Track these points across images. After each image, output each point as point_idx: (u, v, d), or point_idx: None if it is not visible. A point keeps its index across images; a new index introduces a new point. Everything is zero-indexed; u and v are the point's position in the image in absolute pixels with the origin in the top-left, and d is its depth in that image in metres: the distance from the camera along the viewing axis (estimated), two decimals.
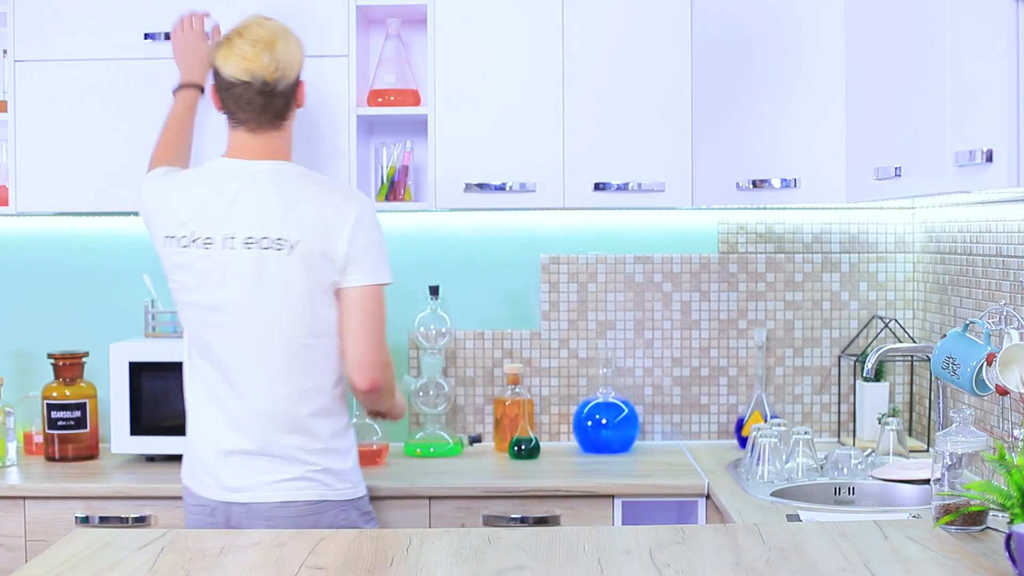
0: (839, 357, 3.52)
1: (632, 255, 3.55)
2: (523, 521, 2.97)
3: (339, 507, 2.58)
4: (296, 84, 2.64)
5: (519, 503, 2.98)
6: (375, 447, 3.23)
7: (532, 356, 3.56)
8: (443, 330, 3.40)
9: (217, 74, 2.61)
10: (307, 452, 2.55)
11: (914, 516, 2.47)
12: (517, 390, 3.42)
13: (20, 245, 3.58)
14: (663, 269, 3.55)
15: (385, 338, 2.60)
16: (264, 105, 2.59)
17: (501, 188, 3.18)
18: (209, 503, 2.60)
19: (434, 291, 3.42)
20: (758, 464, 2.92)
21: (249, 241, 2.52)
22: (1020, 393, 2.32)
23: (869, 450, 3.08)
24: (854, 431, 3.44)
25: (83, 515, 3.01)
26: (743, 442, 3.39)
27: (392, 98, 3.28)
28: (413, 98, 3.32)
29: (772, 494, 2.78)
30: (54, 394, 3.29)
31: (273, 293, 2.52)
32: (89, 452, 3.31)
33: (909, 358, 3.48)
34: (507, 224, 3.55)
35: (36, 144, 3.22)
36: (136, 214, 3.47)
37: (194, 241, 2.55)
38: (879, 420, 3.17)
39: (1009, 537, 1.88)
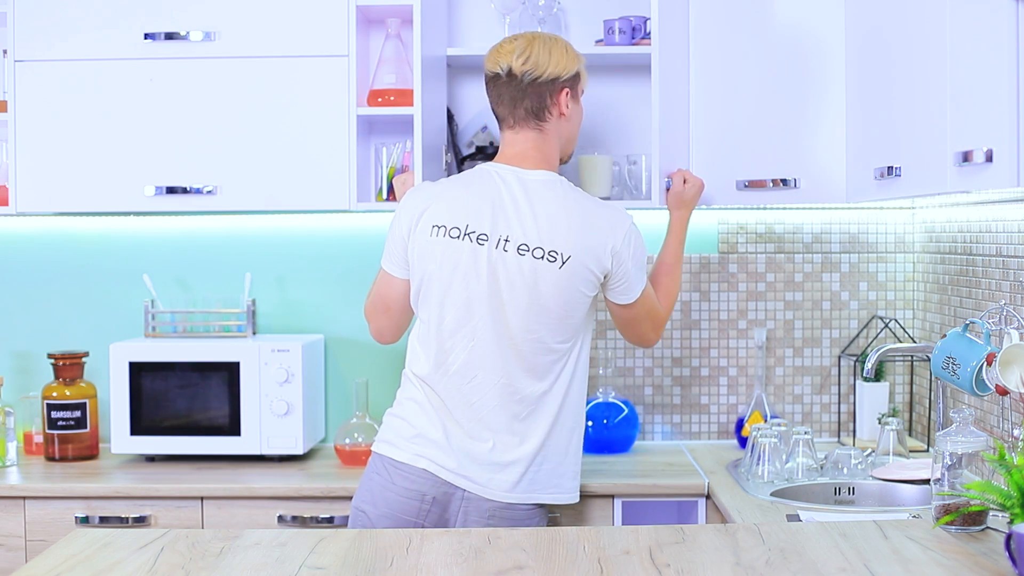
0: (839, 357, 3.52)
1: None
2: None
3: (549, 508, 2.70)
4: (555, 87, 2.67)
5: None
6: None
7: None
8: None
9: (485, 73, 2.71)
10: (536, 454, 2.63)
11: (914, 516, 2.47)
12: None
13: (20, 245, 3.58)
14: None
15: (657, 320, 2.83)
16: (514, 98, 2.67)
17: None
18: (428, 492, 2.61)
19: None
20: (758, 464, 2.92)
21: (523, 248, 2.59)
22: (1020, 393, 2.32)
23: (869, 450, 3.08)
24: (854, 431, 3.44)
25: (83, 515, 3.01)
26: (743, 442, 3.39)
27: (392, 98, 3.28)
28: (413, 98, 3.32)
29: (772, 494, 2.78)
30: (54, 394, 3.29)
31: (537, 300, 2.60)
32: (89, 452, 3.31)
33: (909, 358, 3.48)
34: None
35: (36, 144, 3.22)
36: (137, 214, 3.50)
37: (468, 235, 2.61)
38: (879, 420, 3.17)
39: (1009, 537, 1.88)
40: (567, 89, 2.68)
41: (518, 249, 2.59)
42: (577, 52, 2.73)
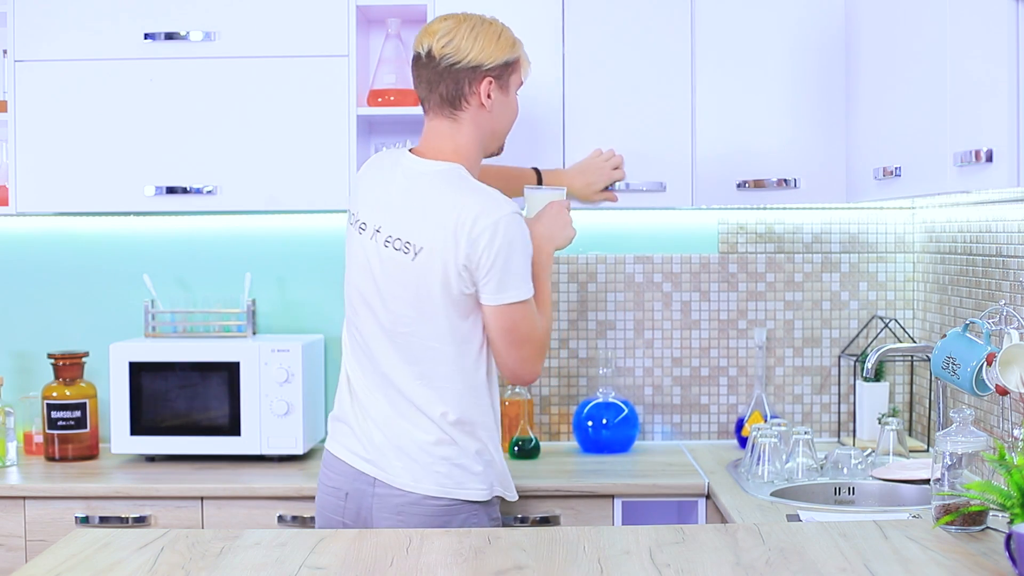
0: (839, 357, 3.52)
1: (632, 255, 3.55)
2: (523, 521, 2.97)
3: (472, 510, 2.55)
4: (475, 75, 2.52)
5: (519, 503, 2.98)
6: None
7: None
8: None
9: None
10: (432, 447, 2.53)
11: (914, 516, 2.47)
12: (517, 390, 3.41)
13: (20, 245, 3.58)
14: (663, 269, 3.55)
15: (536, 347, 2.54)
16: (430, 82, 2.54)
17: None
18: (343, 487, 2.59)
19: None
20: (758, 464, 2.92)
21: (388, 240, 2.52)
22: (1020, 393, 2.32)
23: (869, 450, 3.08)
24: (854, 431, 3.44)
25: (83, 515, 3.01)
26: (743, 442, 3.39)
27: (392, 98, 3.28)
28: (413, 98, 3.30)
29: (772, 494, 2.77)
30: (54, 394, 3.29)
31: (400, 293, 2.51)
32: (89, 452, 3.31)
33: (909, 358, 3.48)
34: None
35: (36, 144, 3.22)
36: (137, 214, 3.50)
37: (356, 222, 2.59)
38: (879, 420, 3.17)
39: (1009, 537, 1.88)
40: (490, 79, 2.53)
41: (384, 241, 2.52)
42: (515, 41, 2.57)
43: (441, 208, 2.47)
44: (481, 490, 2.56)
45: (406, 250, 2.49)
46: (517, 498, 2.69)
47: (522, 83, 2.66)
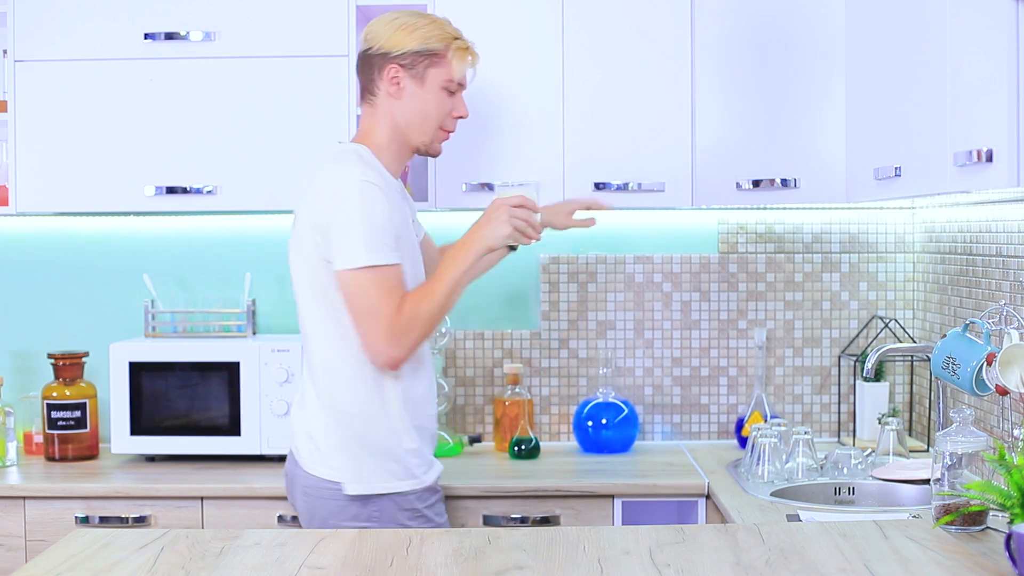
0: (839, 357, 3.52)
1: (632, 255, 3.55)
2: (523, 521, 2.97)
3: (369, 500, 2.54)
4: (383, 62, 2.58)
5: (519, 503, 2.98)
6: None
7: (532, 356, 3.56)
8: (443, 330, 3.39)
9: None
10: (322, 428, 2.57)
11: (914, 516, 2.47)
12: (517, 390, 3.42)
13: (20, 245, 3.58)
14: (663, 269, 3.55)
15: (381, 325, 2.43)
16: (357, 70, 2.67)
17: None
18: (286, 470, 2.71)
19: None
20: (758, 464, 2.92)
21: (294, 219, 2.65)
22: (1020, 393, 2.32)
23: (869, 450, 3.08)
24: (854, 431, 3.44)
25: (83, 515, 3.01)
26: (743, 442, 3.39)
27: None
28: None
29: (772, 494, 2.77)
30: (54, 394, 3.29)
31: (291, 264, 2.62)
32: (89, 452, 3.31)
33: (909, 358, 3.48)
34: None
35: (36, 144, 3.22)
36: (137, 214, 3.50)
37: None
38: (879, 420, 3.17)
39: (1009, 537, 1.88)
40: (397, 66, 2.57)
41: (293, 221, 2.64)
42: (440, 36, 2.59)
43: (311, 177, 2.56)
44: (354, 483, 2.54)
45: (292, 222, 2.61)
46: (429, 487, 2.61)
47: (454, 81, 2.63)
